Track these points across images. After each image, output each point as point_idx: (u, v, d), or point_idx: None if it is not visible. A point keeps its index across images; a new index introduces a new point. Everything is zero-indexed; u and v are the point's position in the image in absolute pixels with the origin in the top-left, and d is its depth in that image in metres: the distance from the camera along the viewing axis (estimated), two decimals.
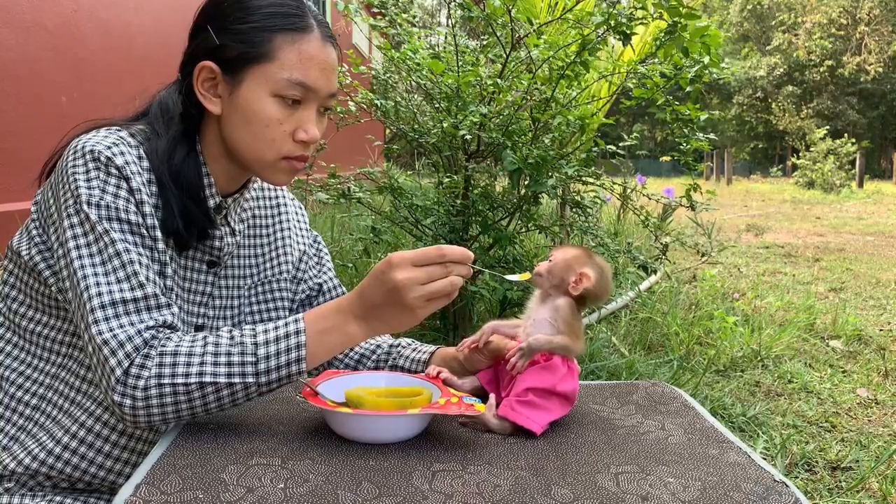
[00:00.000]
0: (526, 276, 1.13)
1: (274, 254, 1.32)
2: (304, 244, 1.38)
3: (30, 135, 3.68)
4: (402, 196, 2.95)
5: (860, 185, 22.78)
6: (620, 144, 2.94)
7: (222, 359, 0.98)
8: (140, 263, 1.03)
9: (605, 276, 1.12)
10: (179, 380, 0.96)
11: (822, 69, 39.71)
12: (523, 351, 1.07)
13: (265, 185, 1.36)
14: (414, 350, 1.29)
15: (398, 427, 0.99)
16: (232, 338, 1.00)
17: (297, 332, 1.00)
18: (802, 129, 36.72)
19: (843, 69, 39.39)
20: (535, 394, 1.05)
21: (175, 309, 1.05)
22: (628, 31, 2.29)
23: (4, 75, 3.58)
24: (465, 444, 0.99)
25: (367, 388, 1.06)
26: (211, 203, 1.16)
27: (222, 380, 0.97)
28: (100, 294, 0.99)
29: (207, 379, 0.97)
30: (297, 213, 1.39)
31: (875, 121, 40.41)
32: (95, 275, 1.00)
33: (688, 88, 2.49)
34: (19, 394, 1.15)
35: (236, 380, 0.98)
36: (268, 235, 1.33)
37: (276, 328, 1.01)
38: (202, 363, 0.97)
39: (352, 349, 1.33)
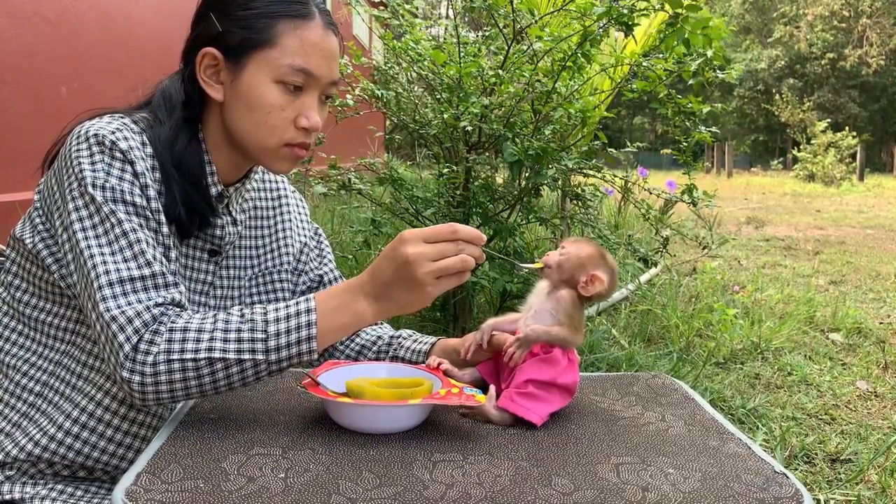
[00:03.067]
0: (539, 264, 1.11)
1: (275, 245, 1.32)
2: (306, 236, 1.38)
3: (29, 125, 3.67)
4: (402, 188, 2.95)
5: (861, 178, 22.75)
6: (624, 150, 2.94)
7: (232, 335, 0.98)
8: (147, 243, 1.03)
9: (615, 276, 1.11)
10: (188, 355, 0.96)
11: (823, 62, 39.54)
12: (521, 341, 1.06)
13: (267, 176, 1.36)
14: (415, 341, 1.29)
15: (399, 417, 0.99)
16: (242, 315, 1.00)
17: (308, 311, 1.00)
18: (803, 121, 36.58)
19: (844, 62, 39.22)
20: (535, 385, 1.04)
21: (182, 288, 1.05)
22: (630, 23, 2.28)
23: (4, 67, 3.57)
24: (465, 435, 0.99)
25: (367, 378, 1.06)
26: (213, 191, 1.17)
27: (232, 356, 0.97)
28: (107, 272, 0.99)
29: (217, 355, 0.96)
30: (298, 205, 1.39)
31: (876, 114, 40.25)
32: (102, 254, 1.00)
33: (690, 81, 2.48)
34: (23, 381, 1.15)
35: (246, 356, 0.97)
36: (269, 227, 1.33)
37: (287, 306, 1.01)
38: (212, 339, 0.97)
39: (352, 340, 1.34)
